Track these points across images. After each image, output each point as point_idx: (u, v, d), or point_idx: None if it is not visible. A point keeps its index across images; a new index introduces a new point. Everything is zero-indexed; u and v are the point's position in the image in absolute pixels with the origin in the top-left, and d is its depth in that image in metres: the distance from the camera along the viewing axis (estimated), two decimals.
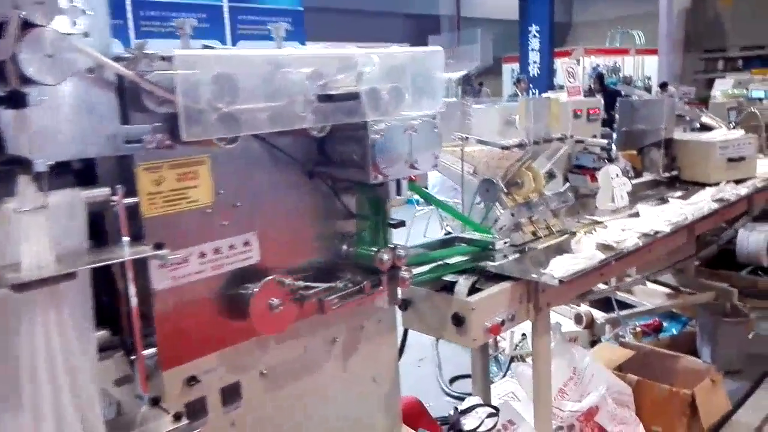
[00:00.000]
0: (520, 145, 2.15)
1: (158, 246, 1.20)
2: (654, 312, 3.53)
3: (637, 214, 2.56)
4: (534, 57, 11.75)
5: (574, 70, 3.23)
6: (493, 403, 2.42)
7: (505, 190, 2.25)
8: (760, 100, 4.74)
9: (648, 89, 17.04)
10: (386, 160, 1.48)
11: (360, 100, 1.43)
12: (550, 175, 2.44)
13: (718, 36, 17.37)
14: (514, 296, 1.90)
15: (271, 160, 1.49)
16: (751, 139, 3.17)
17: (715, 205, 2.65)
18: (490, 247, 1.94)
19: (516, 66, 13.95)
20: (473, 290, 1.90)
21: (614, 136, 3.49)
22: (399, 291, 1.91)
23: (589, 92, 8.20)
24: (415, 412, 2.45)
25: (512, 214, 2.18)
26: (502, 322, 1.86)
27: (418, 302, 1.93)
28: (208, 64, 1.16)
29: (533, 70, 11.75)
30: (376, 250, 1.59)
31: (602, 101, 3.31)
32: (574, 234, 2.26)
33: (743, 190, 2.93)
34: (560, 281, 1.81)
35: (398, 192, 1.58)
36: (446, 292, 1.96)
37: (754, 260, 3.95)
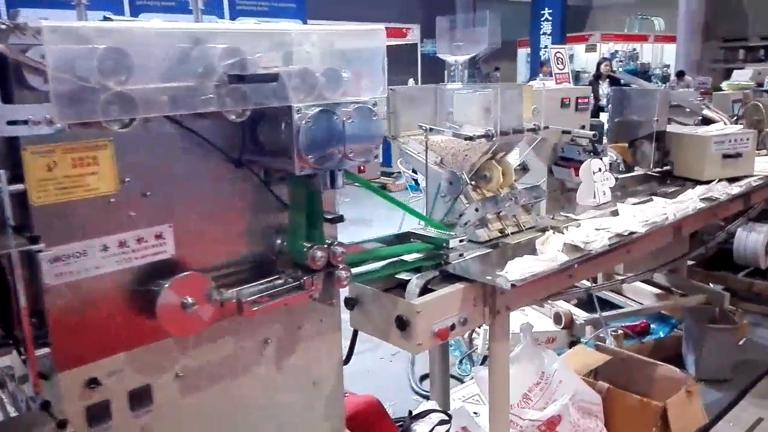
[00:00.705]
0: (486, 136, 2.00)
1: (33, 239, 1.08)
2: (641, 313, 3.38)
3: (618, 212, 2.40)
4: (545, 41, 11.42)
5: (563, 56, 3.06)
6: (455, 406, 2.30)
7: (469, 183, 2.10)
8: (765, 92, 4.53)
9: (666, 77, 16.66)
10: (314, 150, 1.34)
11: (283, 82, 1.29)
12: (524, 168, 2.29)
13: (739, 24, 16.88)
14: (467, 298, 1.77)
15: (188, 146, 1.36)
16: (749, 135, 2.97)
17: (702, 205, 2.48)
18: (444, 245, 1.80)
19: None
20: (426, 290, 1.77)
21: (606, 127, 3.32)
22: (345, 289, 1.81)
23: (595, 80, 8.01)
24: (373, 413, 2.34)
25: (476, 209, 2.04)
26: (452, 326, 1.73)
27: (365, 302, 1.81)
28: (88, 37, 1.02)
29: (544, 55, 11.43)
30: (308, 246, 1.46)
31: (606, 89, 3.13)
32: (544, 232, 2.12)
33: (735, 189, 2.74)
34: (512, 285, 1.67)
35: (332, 184, 1.45)
36: (402, 290, 1.84)
37: (752, 262, 3.78)
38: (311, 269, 1.47)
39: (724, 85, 4.70)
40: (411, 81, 8.73)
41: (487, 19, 2.61)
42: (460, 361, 3.20)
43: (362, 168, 1.64)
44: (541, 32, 11.48)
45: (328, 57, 1.44)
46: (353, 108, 1.41)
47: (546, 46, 11.46)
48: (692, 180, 2.95)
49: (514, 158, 2.48)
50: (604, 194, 2.59)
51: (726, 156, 2.92)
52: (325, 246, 1.48)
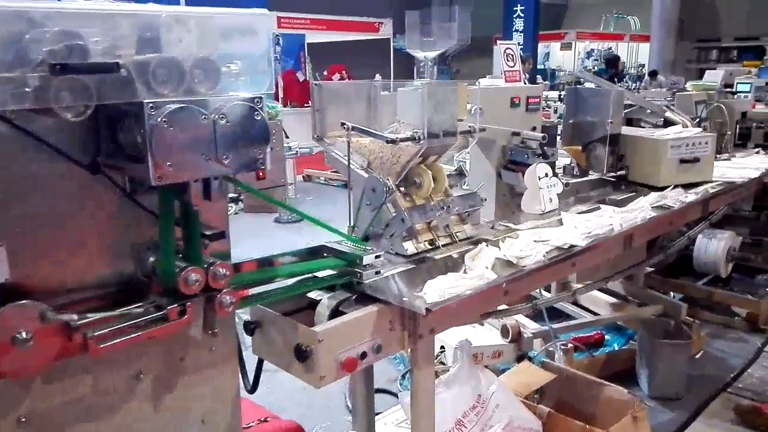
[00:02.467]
0: (412, 139, 1.80)
1: None
2: (594, 324, 3.21)
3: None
4: (518, 38, 11.27)
5: (514, 52, 2.86)
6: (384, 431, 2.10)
7: (397, 190, 1.90)
8: (734, 93, 4.41)
9: (641, 77, 16.66)
10: (174, 155, 1.12)
11: (129, 73, 1.07)
12: (459, 174, 2.09)
13: (712, 25, 16.98)
14: (382, 322, 1.56)
15: (26, 149, 1.13)
16: (708, 139, 2.82)
17: (653, 214, 2.30)
18: (358, 261, 1.59)
19: None
20: (338, 313, 1.56)
21: (559, 128, 3.14)
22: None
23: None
24: None
25: (402, 219, 1.83)
26: (363, 355, 1.52)
27: (265, 326, 1.59)
28: None
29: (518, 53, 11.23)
30: (181, 268, 1.24)
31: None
32: (477, 244, 1.92)
33: (691, 196, 2.58)
34: (427, 310, 1.47)
35: (206, 195, 1.23)
36: (314, 312, 1.63)
37: (712, 270, 3.64)
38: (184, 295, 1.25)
39: (688, 85, 4.56)
40: (378, 77, 8.51)
41: (456, 14, 2.44)
42: (403, 376, 3.01)
43: (261, 174, 1.42)
44: (514, 29, 11.32)
45: (203, 45, 1.22)
46: (229, 106, 1.19)
47: (519, 43, 11.28)
48: (648, 186, 2.79)
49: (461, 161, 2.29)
50: (551, 201, 2.41)
51: (683, 161, 2.76)
52: (203, 267, 1.26)
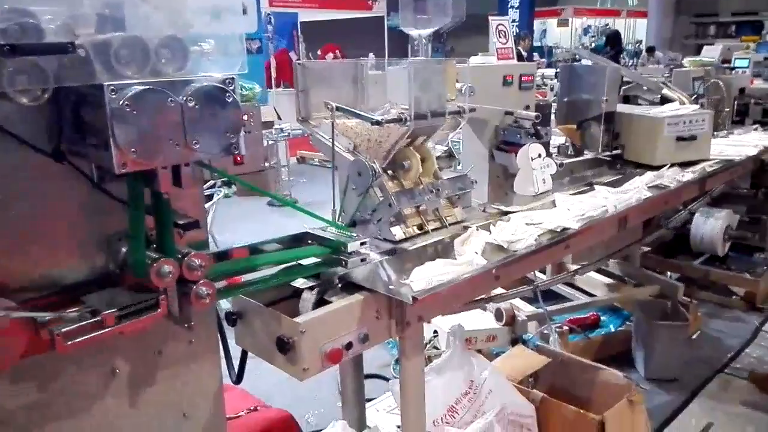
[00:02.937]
0: (398, 120, 1.72)
1: None
2: (589, 306, 3.17)
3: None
4: (513, 15, 11.09)
5: (506, 28, 2.78)
6: (376, 419, 2.06)
7: (385, 173, 1.83)
8: (731, 69, 4.32)
9: (638, 53, 16.50)
10: (139, 141, 1.05)
11: (87, 53, 1.00)
12: (450, 156, 2.03)
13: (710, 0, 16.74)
14: (368, 311, 1.51)
15: None
16: (705, 116, 2.75)
17: (648, 194, 2.24)
18: (343, 248, 1.53)
19: None
20: (322, 303, 1.51)
21: (554, 107, 3.07)
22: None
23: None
24: (283, 430, 2.10)
25: (389, 204, 1.77)
26: (349, 345, 1.47)
27: (248, 317, 1.54)
28: None
29: (512, 30, 11.06)
30: (153, 259, 1.18)
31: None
32: (467, 228, 1.86)
33: (688, 175, 2.52)
34: (414, 299, 1.41)
35: (176, 182, 1.16)
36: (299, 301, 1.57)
37: (709, 248, 3.59)
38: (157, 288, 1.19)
39: (685, 61, 4.47)
40: (371, 56, 8.37)
41: None
42: (396, 361, 2.97)
43: (239, 159, 1.35)
44: (509, 5, 11.14)
45: (171, 23, 1.14)
46: (198, 87, 1.12)
47: (514, 20, 11.14)
48: (644, 165, 2.73)
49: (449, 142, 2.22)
50: (544, 182, 2.35)
51: (680, 139, 2.69)
52: (177, 258, 1.20)
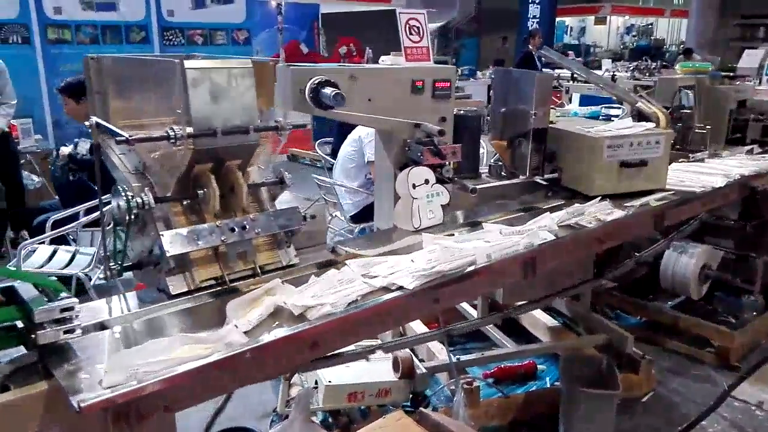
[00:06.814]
0: (166, 138, 1.31)
1: None
2: (520, 355, 2.68)
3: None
4: (534, 11, 10.43)
5: (420, 23, 2.31)
6: None
7: (152, 206, 1.41)
8: (733, 78, 3.73)
9: (677, 56, 15.56)
10: None
11: None
12: (280, 182, 1.60)
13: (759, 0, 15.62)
14: (59, 406, 1.09)
15: None
16: (660, 137, 2.23)
17: (550, 237, 1.75)
18: (30, 314, 1.12)
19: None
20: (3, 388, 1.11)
21: (487, 117, 2.60)
22: None
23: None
24: None
25: (160, 246, 1.36)
26: None
27: None
28: None
29: (532, 26, 10.44)
30: None
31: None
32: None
33: (617, 212, 2.01)
34: (79, 408, 0.99)
35: None
36: None
37: (681, 290, 3.04)
38: None
39: (676, 67, 3.89)
40: (369, 50, 7.90)
41: None
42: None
43: None
44: (529, 0, 10.46)
45: None
46: None
47: (535, 17, 10.49)
48: (581, 194, 2.23)
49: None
50: (431, 214, 1.90)
51: (625, 165, 2.19)
52: None
